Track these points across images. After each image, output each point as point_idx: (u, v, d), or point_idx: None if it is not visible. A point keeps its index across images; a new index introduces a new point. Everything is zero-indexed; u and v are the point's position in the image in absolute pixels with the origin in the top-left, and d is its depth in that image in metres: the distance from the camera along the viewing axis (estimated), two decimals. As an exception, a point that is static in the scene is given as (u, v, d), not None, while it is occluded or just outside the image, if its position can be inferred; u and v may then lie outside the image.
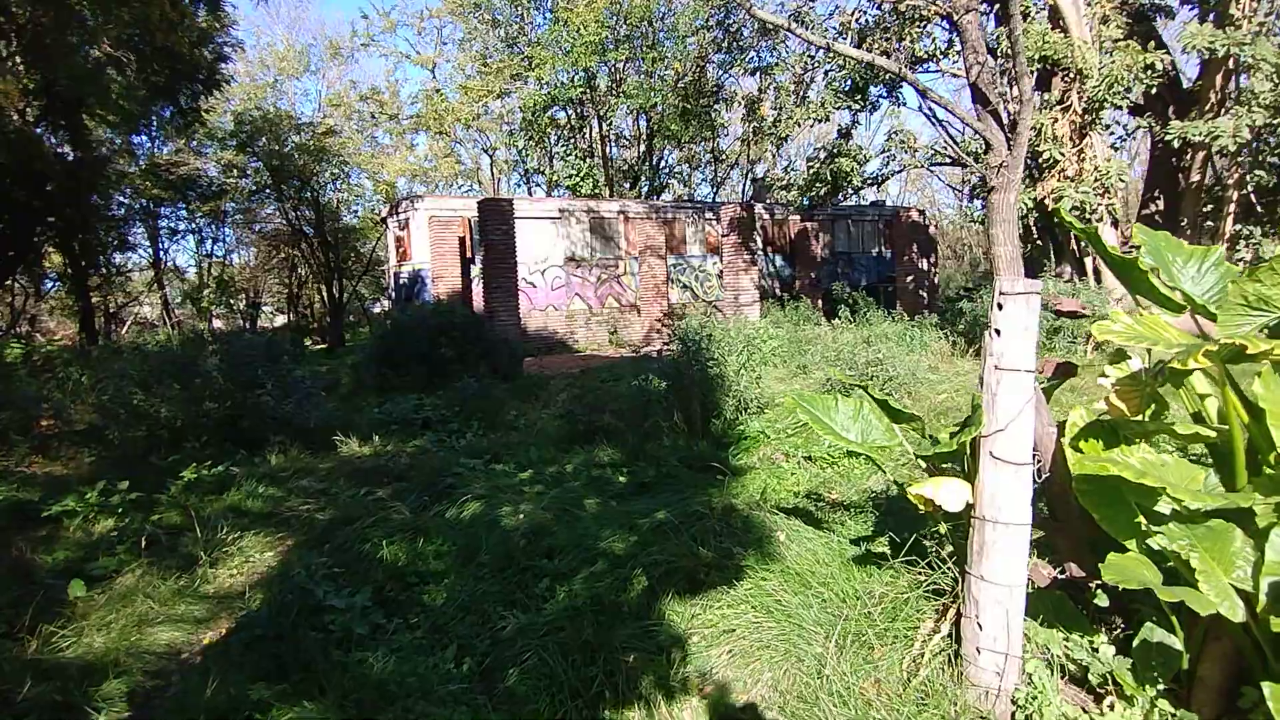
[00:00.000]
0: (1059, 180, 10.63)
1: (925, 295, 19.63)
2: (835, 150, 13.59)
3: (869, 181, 13.94)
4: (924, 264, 19.95)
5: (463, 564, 3.93)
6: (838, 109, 13.09)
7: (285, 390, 7.75)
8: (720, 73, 22.94)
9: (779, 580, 3.43)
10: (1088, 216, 10.60)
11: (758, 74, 14.47)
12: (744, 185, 31.37)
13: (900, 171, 13.89)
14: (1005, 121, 9.44)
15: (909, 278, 19.32)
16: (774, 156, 19.94)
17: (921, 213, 21.47)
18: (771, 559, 3.61)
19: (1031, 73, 8.91)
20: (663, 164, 27.06)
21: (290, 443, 7.11)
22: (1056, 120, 10.58)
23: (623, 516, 4.38)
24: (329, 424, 7.69)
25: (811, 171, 13.77)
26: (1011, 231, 9.33)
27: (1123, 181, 10.42)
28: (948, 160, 14.24)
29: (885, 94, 14.90)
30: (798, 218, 21.14)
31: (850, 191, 14.46)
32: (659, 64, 21.38)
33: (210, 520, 4.96)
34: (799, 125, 13.04)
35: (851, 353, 9.70)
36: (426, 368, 10.59)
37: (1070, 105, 10.55)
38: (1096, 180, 10.32)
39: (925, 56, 12.33)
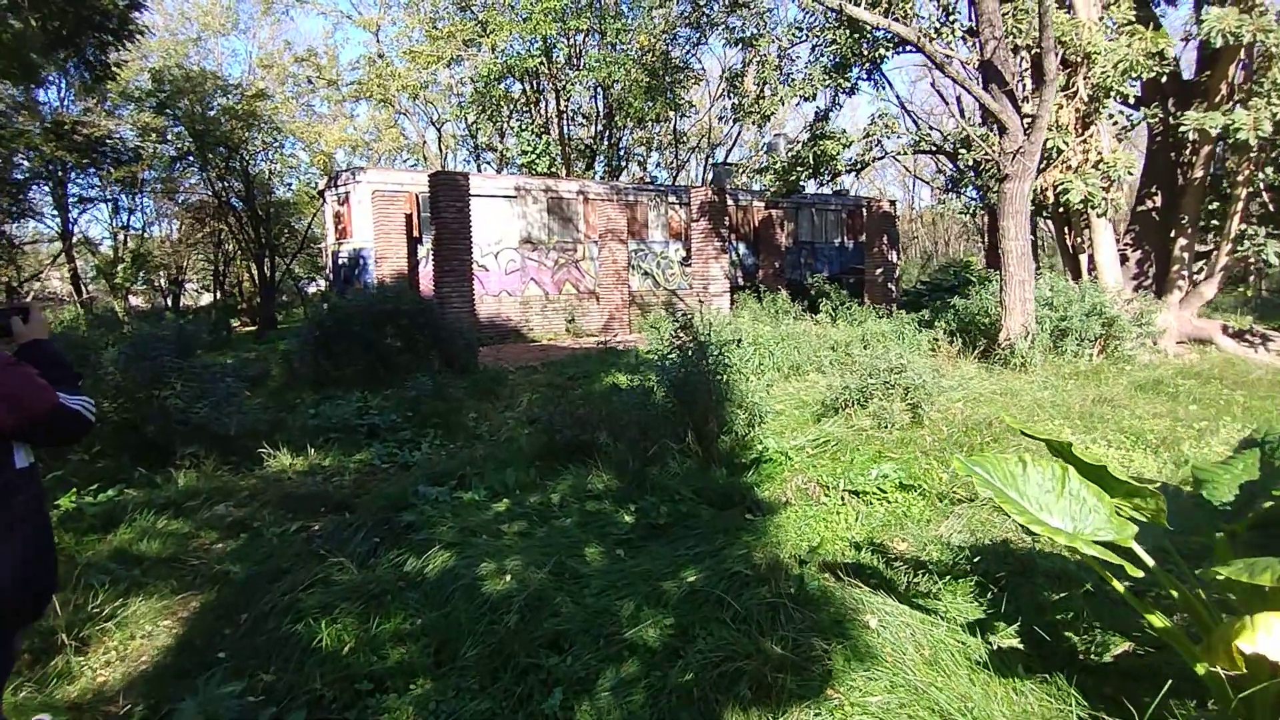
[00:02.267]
0: (1061, 171, 9.98)
1: (893, 288, 19.07)
2: (818, 133, 12.72)
3: (850, 167, 13.14)
4: (893, 256, 19.39)
5: (435, 658, 2.85)
6: (825, 87, 12.20)
7: (199, 389, 6.43)
8: (687, 49, 21.88)
9: (886, 695, 2.48)
10: (1090, 210, 9.99)
11: (740, 45, 13.42)
12: (702, 170, 30.41)
13: (883, 157, 13.11)
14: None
15: (878, 270, 18.71)
16: (757, 135, 19.00)
17: (893, 203, 20.92)
18: (867, 658, 2.65)
19: (1057, 52, 8.14)
20: (621, 144, 25.86)
21: (205, 455, 5.85)
22: (1061, 107, 9.90)
23: (640, 578, 3.37)
24: (253, 430, 6.43)
25: (792, 154, 12.88)
26: (1024, 224, 8.62)
27: (1130, 174, 9.82)
28: (933, 149, 13.56)
29: (865, 76, 14.12)
30: (761, 205, 20.30)
31: (829, 177, 13.66)
32: (622, 36, 20.17)
33: (86, 572, 3.75)
34: (784, 103, 12.11)
35: (848, 353, 8.89)
36: (370, 359, 9.32)
37: (1076, 91, 9.88)
38: (1102, 173, 9.69)
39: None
